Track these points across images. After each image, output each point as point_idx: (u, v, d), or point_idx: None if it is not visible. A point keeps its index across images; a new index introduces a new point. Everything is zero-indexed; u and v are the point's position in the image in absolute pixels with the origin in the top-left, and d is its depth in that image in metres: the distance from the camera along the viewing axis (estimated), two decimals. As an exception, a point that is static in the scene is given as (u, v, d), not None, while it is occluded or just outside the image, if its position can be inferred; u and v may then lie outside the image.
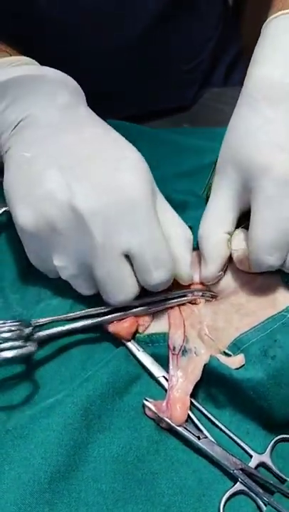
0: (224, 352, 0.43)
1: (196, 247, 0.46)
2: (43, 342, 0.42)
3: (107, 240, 0.40)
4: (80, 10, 0.61)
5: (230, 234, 0.45)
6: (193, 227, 0.46)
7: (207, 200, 0.47)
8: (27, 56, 0.50)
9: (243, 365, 0.41)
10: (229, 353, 0.42)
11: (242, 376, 0.40)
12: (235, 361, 0.41)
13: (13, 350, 0.39)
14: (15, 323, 0.40)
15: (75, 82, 0.48)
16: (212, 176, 0.46)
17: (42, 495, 0.36)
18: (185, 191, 0.47)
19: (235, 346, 0.42)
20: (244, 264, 0.44)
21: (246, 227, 0.44)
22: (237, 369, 0.41)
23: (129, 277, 0.42)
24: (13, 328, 0.39)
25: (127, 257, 0.41)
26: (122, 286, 0.42)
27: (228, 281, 0.46)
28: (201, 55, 0.75)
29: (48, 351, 0.43)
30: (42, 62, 0.52)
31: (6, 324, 0.40)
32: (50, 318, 0.42)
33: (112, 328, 0.43)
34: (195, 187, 0.52)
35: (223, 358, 0.42)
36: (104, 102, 0.64)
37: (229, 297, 0.46)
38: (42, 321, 0.42)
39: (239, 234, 0.45)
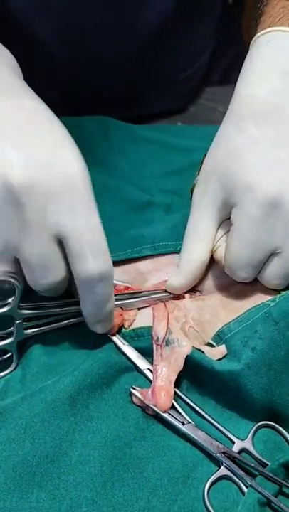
0: (208, 343, 0.44)
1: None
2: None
3: (41, 218, 0.37)
4: (79, 24, 0.64)
5: (214, 245, 0.46)
6: (177, 226, 0.48)
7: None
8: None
9: (226, 355, 0.43)
10: (213, 343, 0.44)
11: (222, 368, 0.42)
12: (217, 352, 0.43)
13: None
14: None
15: (10, 55, 0.46)
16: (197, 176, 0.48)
17: (31, 477, 0.38)
18: (171, 190, 0.49)
19: (219, 337, 0.44)
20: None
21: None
22: (219, 359, 0.43)
23: (59, 261, 0.39)
24: None
25: (59, 242, 0.38)
26: (51, 269, 0.39)
27: (219, 277, 0.48)
28: (197, 63, 0.77)
29: (36, 341, 0.45)
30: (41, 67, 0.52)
31: None
32: (36, 312, 0.43)
33: None
34: (183, 185, 0.54)
35: (206, 349, 0.44)
36: (102, 106, 0.67)
37: (217, 293, 0.47)
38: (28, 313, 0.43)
39: (222, 245, 0.46)
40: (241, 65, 0.48)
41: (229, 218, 0.45)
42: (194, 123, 0.75)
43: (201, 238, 0.46)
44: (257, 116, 0.44)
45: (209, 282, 0.48)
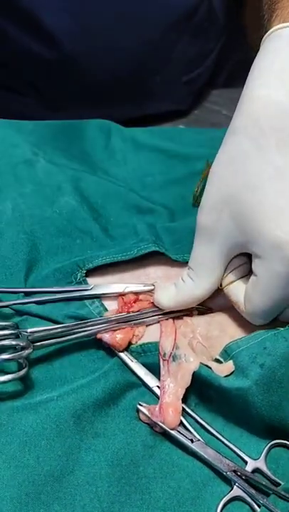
0: (216, 359, 0.43)
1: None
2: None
3: None
4: (80, 25, 0.64)
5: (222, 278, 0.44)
6: (183, 239, 0.46)
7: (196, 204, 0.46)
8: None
9: (233, 371, 0.42)
10: (220, 359, 0.43)
11: (230, 385, 0.41)
12: (225, 369, 0.42)
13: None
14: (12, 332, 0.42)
15: None
16: (199, 185, 0.47)
17: (37, 495, 0.37)
18: (173, 200, 0.48)
19: (226, 353, 0.43)
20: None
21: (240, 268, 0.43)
22: (227, 376, 0.42)
23: None
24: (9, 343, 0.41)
25: None
26: None
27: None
28: (202, 65, 0.76)
29: (40, 353, 0.43)
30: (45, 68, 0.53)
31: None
32: (44, 328, 0.43)
33: (106, 338, 0.44)
34: (186, 194, 0.53)
35: (214, 365, 0.42)
36: (105, 106, 0.66)
37: (226, 311, 0.46)
38: (37, 330, 0.42)
39: (236, 283, 0.43)
40: (247, 68, 0.42)
41: (240, 254, 0.42)
42: (198, 126, 0.74)
43: (207, 276, 0.43)
44: (279, 131, 0.38)
45: (219, 300, 0.46)
